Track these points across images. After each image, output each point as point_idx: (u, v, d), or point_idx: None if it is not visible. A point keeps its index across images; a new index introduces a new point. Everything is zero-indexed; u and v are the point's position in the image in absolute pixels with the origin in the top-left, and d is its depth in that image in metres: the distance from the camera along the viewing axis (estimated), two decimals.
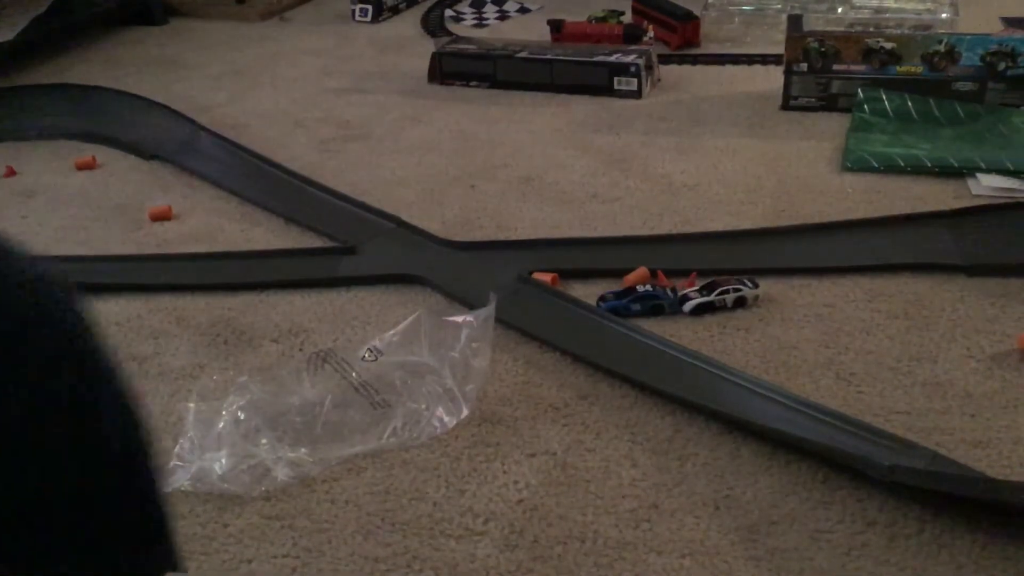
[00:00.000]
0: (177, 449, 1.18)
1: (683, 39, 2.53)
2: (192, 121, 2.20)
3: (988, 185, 1.73)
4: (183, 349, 1.42)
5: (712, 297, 1.41)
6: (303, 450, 1.17)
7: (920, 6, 2.41)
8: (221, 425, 1.19)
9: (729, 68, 2.41)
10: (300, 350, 1.39)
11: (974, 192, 1.72)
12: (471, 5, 3.05)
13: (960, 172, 1.78)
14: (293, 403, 1.23)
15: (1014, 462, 1.10)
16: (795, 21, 2.17)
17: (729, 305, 1.41)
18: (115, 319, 1.50)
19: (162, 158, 2.07)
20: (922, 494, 1.05)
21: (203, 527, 1.08)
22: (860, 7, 2.45)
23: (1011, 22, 2.44)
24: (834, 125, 2.02)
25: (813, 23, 2.26)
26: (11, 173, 2.06)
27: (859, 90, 2.05)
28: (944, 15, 2.37)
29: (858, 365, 1.29)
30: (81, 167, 2.07)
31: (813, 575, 0.98)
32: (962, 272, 1.47)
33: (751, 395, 1.22)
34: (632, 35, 2.50)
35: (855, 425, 1.15)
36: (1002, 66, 1.99)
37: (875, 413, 1.19)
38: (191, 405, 1.24)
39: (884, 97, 2.03)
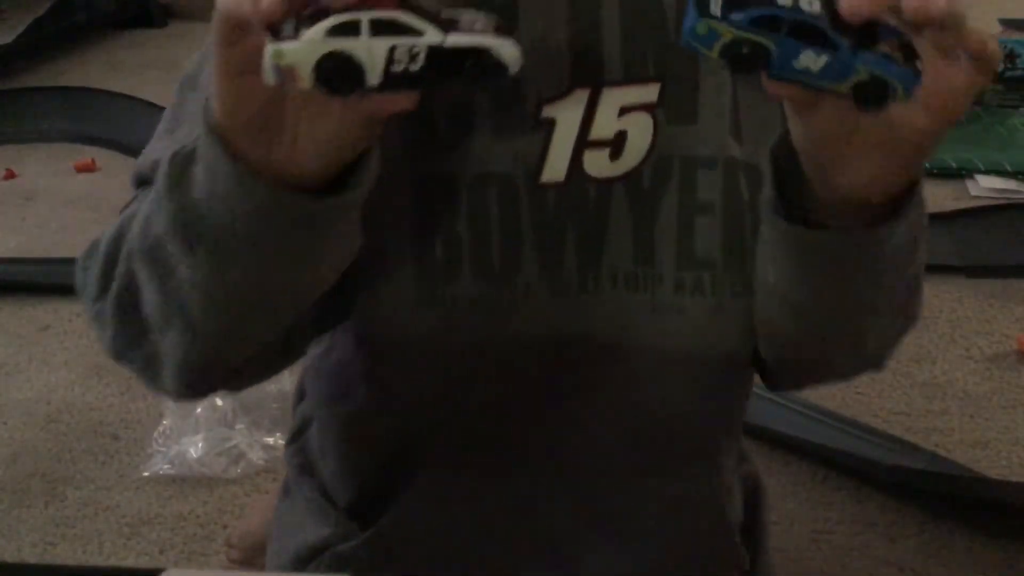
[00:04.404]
0: (155, 435, 1.21)
1: None
2: None
3: (986, 186, 1.73)
4: None
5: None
6: (279, 434, 1.19)
7: None
8: (199, 411, 1.22)
9: None
10: None
11: (972, 193, 1.72)
12: None
13: (959, 173, 1.78)
14: (271, 391, 1.24)
15: (1013, 462, 1.11)
16: None
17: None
18: None
19: None
20: (922, 494, 1.05)
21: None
22: None
23: (1009, 24, 2.45)
24: None
25: None
26: (11, 176, 2.06)
27: None
28: None
29: None
30: (81, 170, 2.07)
31: (813, 575, 0.98)
32: (961, 273, 1.47)
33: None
34: None
35: (855, 426, 1.15)
36: (1000, 68, 2.00)
37: (875, 414, 1.19)
38: None
39: None
